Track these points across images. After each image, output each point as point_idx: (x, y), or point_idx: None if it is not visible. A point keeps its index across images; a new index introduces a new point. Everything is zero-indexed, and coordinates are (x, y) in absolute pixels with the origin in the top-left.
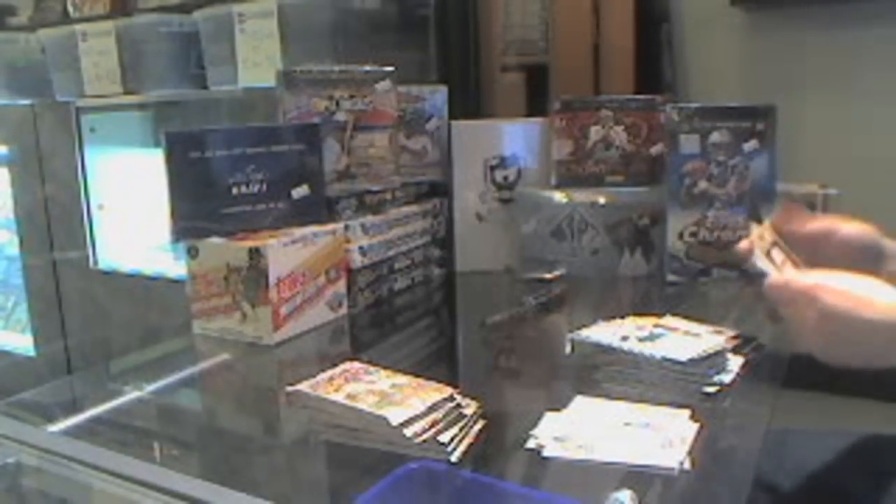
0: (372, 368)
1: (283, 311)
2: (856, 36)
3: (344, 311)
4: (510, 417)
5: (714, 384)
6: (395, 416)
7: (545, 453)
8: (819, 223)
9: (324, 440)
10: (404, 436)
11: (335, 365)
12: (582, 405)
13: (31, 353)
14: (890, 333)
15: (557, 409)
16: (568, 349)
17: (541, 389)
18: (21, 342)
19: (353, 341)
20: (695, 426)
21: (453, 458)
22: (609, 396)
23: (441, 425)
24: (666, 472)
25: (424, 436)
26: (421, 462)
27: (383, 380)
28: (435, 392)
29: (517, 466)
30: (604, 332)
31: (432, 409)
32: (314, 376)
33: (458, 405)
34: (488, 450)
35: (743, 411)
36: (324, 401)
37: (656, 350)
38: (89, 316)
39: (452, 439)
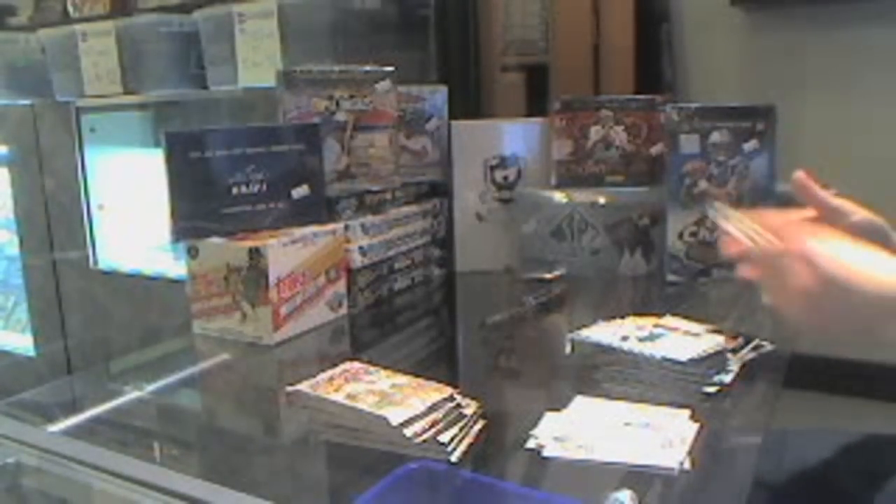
0: (372, 368)
1: (283, 311)
2: (856, 36)
3: (344, 311)
4: (510, 417)
5: (714, 384)
6: (396, 416)
7: (545, 453)
8: (833, 201)
9: (324, 440)
10: (404, 436)
11: (335, 365)
12: (582, 405)
13: (31, 353)
14: (884, 308)
15: (557, 409)
16: (568, 349)
17: (541, 389)
18: (21, 342)
19: (353, 341)
20: (695, 426)
21: (453, 458)
22: (609, 396)
23: (441, 425)
24: (666, 472)
25: (424, 436)
26: (421, 462)
27: (383, 380)
28: (435, 392)
29: (517, 466)
30: (604, 332)
31: (432, 409)
32: (314, 376)
33: (458, 405)
34: (488, 450)
35: (743, 411)
36: (324, 401)
37: (656, 350)
38: (89, 316)
39: (452, 439)
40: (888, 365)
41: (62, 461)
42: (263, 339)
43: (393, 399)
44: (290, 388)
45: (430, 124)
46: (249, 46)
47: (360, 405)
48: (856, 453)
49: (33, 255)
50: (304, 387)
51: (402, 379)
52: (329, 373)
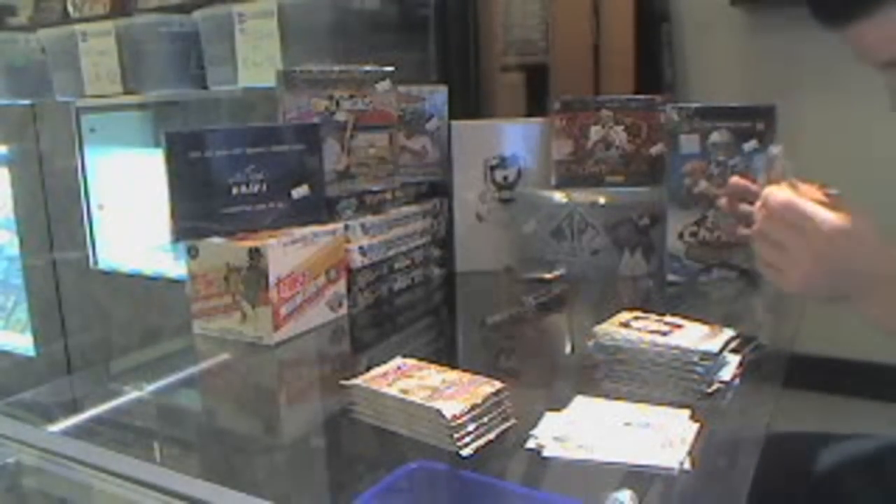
0: (423, 364)
1: (283, 311)
2: None
3: (344, 311)
4: (510, 417)
5: (714, 384)
6: (448, 408)
7: (545, 453)
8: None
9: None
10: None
11: (335, 365)
12: (582, 405)
13: (31, 353)
14: (869, 276)
15: (557, 409)
16: (568, 349)
17: (541, 389)
18: (21, 342)
19: (354, 341)
20: (695, 426)
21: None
22: (609, 396)
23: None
24: (666, 472)
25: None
26: (420, 462)
27: (434, 375)
28: (486, 386)
29: (517, 466)
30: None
31: (483, 403)
32: (315, 376)
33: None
34: (488, 450)
35: (743, 411)
36: (378, 394)
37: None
38: (89, 316)
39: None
40: (888, 365)
41: (62, 461)
42: (263, 339)
43: (444, 394)
44: (345, 382)
45: (430, 124)
46: (249, 46)
47: (413, 398)
48: (856, 454)
49: (33, 255)
50: (359, 381)
51: (452, 375)
52: (382, 368)
